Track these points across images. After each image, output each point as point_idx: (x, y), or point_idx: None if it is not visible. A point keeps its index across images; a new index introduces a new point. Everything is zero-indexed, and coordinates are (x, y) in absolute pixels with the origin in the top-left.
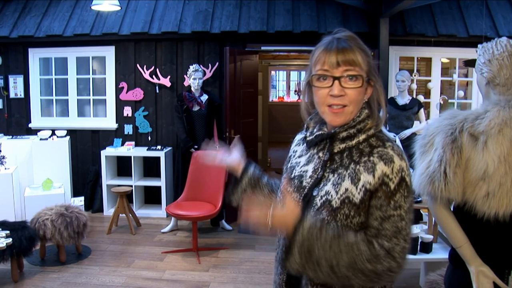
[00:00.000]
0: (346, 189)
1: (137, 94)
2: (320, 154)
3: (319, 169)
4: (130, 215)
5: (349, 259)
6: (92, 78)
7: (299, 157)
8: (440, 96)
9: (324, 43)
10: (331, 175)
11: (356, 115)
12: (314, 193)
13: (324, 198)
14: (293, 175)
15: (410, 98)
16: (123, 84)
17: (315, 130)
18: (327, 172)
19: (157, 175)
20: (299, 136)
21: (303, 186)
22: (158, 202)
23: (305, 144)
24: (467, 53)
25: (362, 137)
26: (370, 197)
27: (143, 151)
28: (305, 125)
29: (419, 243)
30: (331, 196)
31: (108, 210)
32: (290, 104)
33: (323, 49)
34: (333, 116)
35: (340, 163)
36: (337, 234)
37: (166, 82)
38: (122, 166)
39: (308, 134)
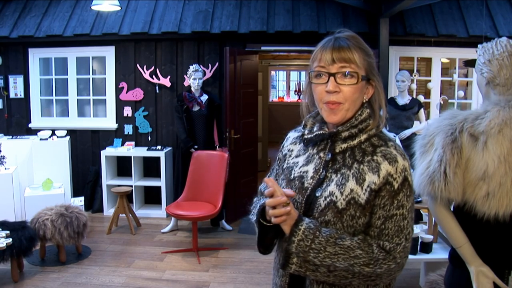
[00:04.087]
0: (352, 190)
1: (137, 94)
2: (321, 154)
3: (321, 169)
4: (130, 215)
5: (346, 263)
6: (92, 78)
7: (296, 157)
8: (440, 96)
9: (322, 42)
10: (334, 176)
11: (354, 114)
12: (317, 194)
13: (328, 199)
14: (292, 176)
15: (410, 98)
16: (123, 84)
17: (315, 129)
18: (330, 173)
19: (157, 175)
20: (293, 134)
21: (305, 187)
22: (158, 202)
23: (302, 144)
24: (467, 53)
25: (363, 136)
26: (375, 196)
27: (143, 151)
28: (302, 123)
29: (419, 243)
30: (336, 197)
31: (108, 210)
32: (290, 104)
33: (320, 47)
34: (330, 113)
35: (343, 163)
36: (332, 237)
37: (166, 82)
38: (122, 166)
39: (306, 132)
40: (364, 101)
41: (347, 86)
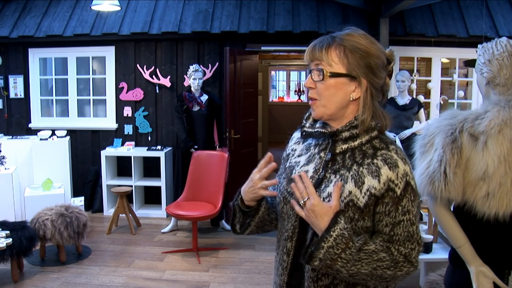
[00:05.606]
0: (350, 192)
1: (137, 94)
2: (322, 154)
3: (321, 169)
4: (130, 215)
5: (369, 268)
6: (92, 78)
7: (298, 156)
8: (440, 96)
9: None
10: (332, 176)
11: (339, 112)
12: None
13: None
14: (293, 175)
15: (410, 98)
16: (123, 84)
17: (317, 124)
18: (329, 173)
19: (157, 175)
20: (298, 134)
21: None
22: (158, 202)
23: (304, 144)
24: (467, 53)
25: (365, 138)
26: (376, 202)
27: (143, 151)
28: (305, 116)
29: None
30: None
31: (108, 210)
32: (290, 104)
33: None
34: (312, 109)
35: (342, 164)
36: (360, 244)
37: (166, 82)
38: (122, 166)
39: (308, 124)
40: (351, 99)
41: (318, 83)
